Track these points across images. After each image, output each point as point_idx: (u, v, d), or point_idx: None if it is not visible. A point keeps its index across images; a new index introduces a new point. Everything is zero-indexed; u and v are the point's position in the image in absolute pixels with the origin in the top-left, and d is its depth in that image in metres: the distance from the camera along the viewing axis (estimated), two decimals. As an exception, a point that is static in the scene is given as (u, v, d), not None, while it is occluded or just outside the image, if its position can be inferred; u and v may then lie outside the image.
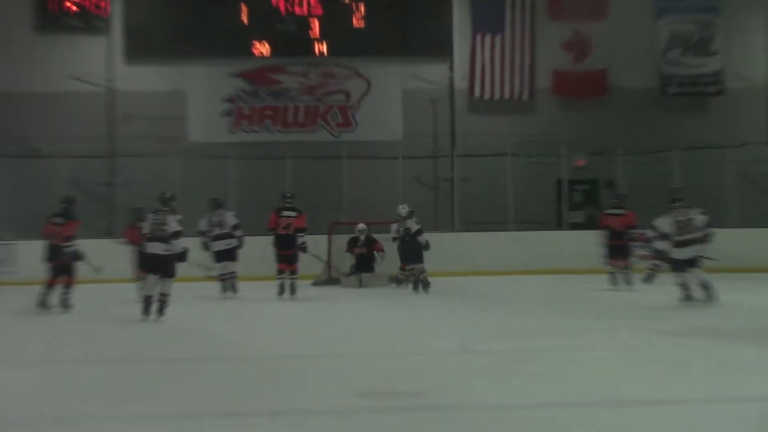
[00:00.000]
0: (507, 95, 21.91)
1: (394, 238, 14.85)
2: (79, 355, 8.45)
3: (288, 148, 20.48)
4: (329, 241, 17.31)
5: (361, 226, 16.60)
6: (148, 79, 21.03)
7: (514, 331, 9.69)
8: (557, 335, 9.23)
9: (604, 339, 8.90)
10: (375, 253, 16.40)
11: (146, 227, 11.05)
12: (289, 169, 19.89)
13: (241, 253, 14.34)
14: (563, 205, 20.62)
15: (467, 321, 10.83)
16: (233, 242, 14.26)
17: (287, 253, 13.72)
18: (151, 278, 10.92)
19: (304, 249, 13.78)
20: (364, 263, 16.50)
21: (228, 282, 14.29)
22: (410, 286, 14.72)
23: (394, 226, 14.83)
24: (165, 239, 10.85)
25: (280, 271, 13.86)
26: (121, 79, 21.13)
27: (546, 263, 18.31)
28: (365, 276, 16.33)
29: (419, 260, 14.59)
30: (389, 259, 15.72)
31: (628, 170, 19.97)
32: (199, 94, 21.45)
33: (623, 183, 19.68)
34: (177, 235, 10.89)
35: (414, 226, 14.63)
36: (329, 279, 16.89)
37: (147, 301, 10.84)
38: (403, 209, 14.77)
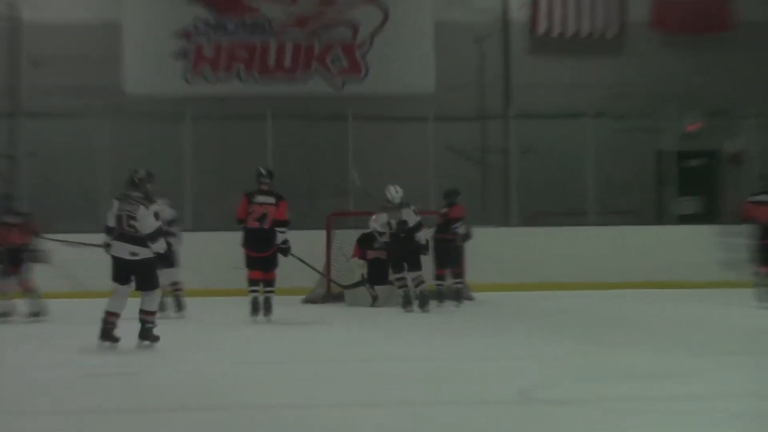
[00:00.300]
0: (585, 31, 21.99)
1: (381, 233, 15.19)
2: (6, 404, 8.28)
3: (268, 104, 20.35)
4: (328, 240, 17.26)
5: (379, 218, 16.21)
6: (66, 5, 20.99)
7: (600, 371, 9.62)
8: (664, 377, 9.10)
9: (736, 384, 8.76)
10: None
11: (110, 219, 11.15)
12: (269, 134, 19.89)
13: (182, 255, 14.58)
14: (667, 187, 20.78)
15: (529, 355, 10.83)
16: (174, 242, 14.23)
17: (261, 255, 13.69)
18: (120, 291, 11.05)
19: (285, 251, 13.74)
20: (381, 272, 16.32)
21: (170, 297, 14.32)
22: (449, 301, 15.29)
23: (382, 217, 15.11)
24: (136, 239, 10.95)
25: (253, 282, 13.82)
26: (27, 5, 20.99)
27: (643, 272, 18.41)
28: (382, 290, 16.22)
29: (417, 266, 14.90)
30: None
31: (760, 138, 20.17)
32: (139, 27, 21.43)
33: (753, 156, 19.85)
34: (154, 236, 10.96)
35: (412, 217, 14.95)
36: (327, 294, 16.91)
37: (108, 322, 10.94)
38: (396, 192, 15.06)
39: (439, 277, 15.81)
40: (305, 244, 15.55)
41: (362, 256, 16.61)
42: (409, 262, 14.83)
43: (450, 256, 15.71)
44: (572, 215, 19.84)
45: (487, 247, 17.53)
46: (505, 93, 21.82)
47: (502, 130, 21.57)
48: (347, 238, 17.19)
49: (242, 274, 13.95)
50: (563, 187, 20.31)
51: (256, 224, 13.67)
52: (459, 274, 15.95)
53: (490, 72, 21.84)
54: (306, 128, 20.59)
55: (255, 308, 13.70)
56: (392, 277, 15.33)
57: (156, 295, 11.21)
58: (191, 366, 10.26)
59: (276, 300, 13.94)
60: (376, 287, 16.24)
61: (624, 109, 20.57)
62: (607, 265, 18.56)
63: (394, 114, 20.92)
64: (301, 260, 15.39)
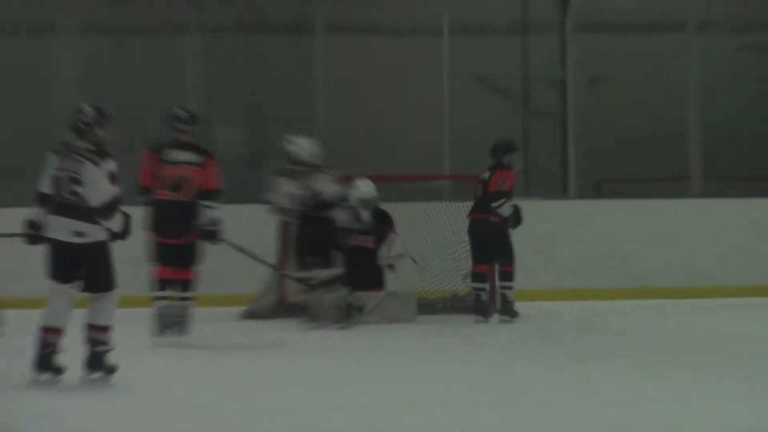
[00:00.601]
0: None
1: (284, 210, 16.05)
2: None
3: (193, 10, 20.51)
4: (283, 221, 17.02)
5: (364, 186, 16.70)
6: None
7: (705, 423, 9.36)
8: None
9: None
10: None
11: (44, 184, 11.37)
12: (193, 56, 20.27)
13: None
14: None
15: (600, 398, 10.71)
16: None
17: (175, 242, 13.83)
18: (62, 293, 11.18)
19: (213, 235, 13.89)
20: (369, 269, 16.44)
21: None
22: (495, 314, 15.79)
23: (287, 187, 15.95)
24: (83, 212, 11.11)
25: (162, 284, 13.92)
26: None
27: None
28: (370, 297, 16.24)
29: (333, 260, 15.70)
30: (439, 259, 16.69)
31: None
32: None
33: None
34: (108, 208, 11.13)
35: (329, 188, 15.87)
36: (280, 305, 16.97)
37: (47, 344, 11.03)
38: (309, 145, 16.05)
39: (478, 277, 15.78)
40: (245, 227, 15.97)
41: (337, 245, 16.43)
42: (322, 255, 15.53)
43: (492, 248, 15.63)
44: (667, 182, 19.99)
45: (532, 231, 17.33)
46: (561, -5, 21.78)
47: (555, 49, 21.35)
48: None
49: (145, 271, 14.13)
50: (652, 139, 20.27)
51: (169, 194, 13.89)
52: (509, 273, 15.76)
53: (538, -39, 21.84)
54: (251, 47, 20.61)
55: (164, 324, 13.75)
56: (295, 274, 15.76)
57: (113, 300, 11.31)
58: (67, 416, 9.91)
59: (198, 313, 14.11)
60: (363, 294, 16.02)
61: (747, 19, 20.67)
62: (723, 256, 18.80)
63: (388, 24, 20.78)
64: (240, 249, 15.08)
